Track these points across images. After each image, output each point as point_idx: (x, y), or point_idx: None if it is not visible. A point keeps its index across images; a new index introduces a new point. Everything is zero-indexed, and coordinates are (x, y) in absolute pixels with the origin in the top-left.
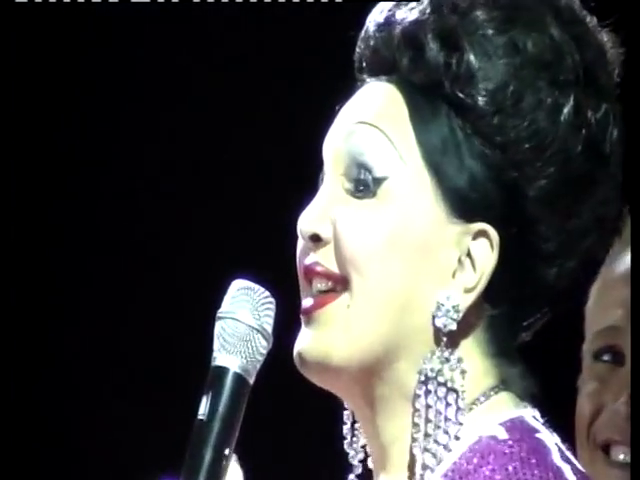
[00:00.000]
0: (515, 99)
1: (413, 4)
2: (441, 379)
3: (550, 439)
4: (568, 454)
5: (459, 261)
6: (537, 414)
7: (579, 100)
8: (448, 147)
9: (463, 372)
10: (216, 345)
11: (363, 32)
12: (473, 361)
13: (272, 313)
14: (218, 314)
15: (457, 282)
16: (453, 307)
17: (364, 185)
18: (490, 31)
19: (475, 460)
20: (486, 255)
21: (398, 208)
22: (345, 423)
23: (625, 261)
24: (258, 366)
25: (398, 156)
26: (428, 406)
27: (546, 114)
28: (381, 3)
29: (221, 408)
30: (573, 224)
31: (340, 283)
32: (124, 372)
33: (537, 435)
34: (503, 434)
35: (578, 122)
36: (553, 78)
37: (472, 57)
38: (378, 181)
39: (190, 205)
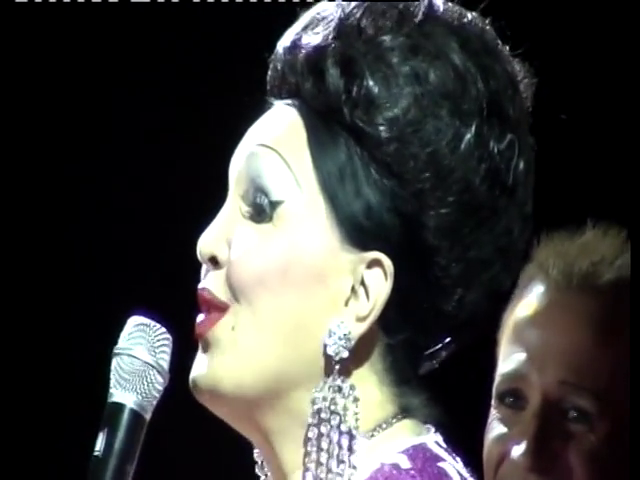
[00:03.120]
0: (414, 128)
1: (320, 28)
2: (334, 407)
3: (452, 467)
4: None
5: (352, 289)
6: (440, 439)
7: (481, 130)
8: (345, 174)
9: (356, 400)
10: (112, 381)
11: (273, 55)
12: (370, 389)
13: (168, 349)
14: (114, 350)
15: (350, 310)
16: (345, 335)
17: (260, 208)
18: (393, 59)
19: None
20: (380, 284)
21: (292, 233)
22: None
23: (532, 301)
24: (154, 402)
25: (294, 180)
26: (321, 434)
27: (446, 143)
28: (294, 26)
29: (117, 444)
30: (473, 255)
31: (225, 307)
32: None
33: (439, 464)
34: (405, 463)
35: (479, 152)
36: (455, 108)
37: (372, 84)
38: (274, 205)
39: (87, 238)
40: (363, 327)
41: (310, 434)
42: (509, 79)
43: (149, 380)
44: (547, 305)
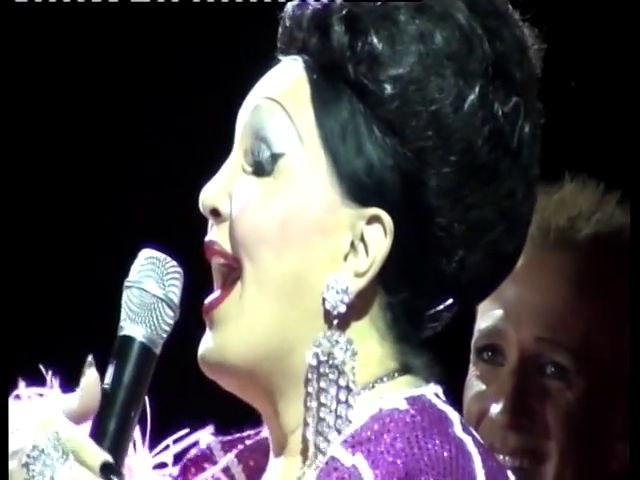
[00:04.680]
0: (418, 86)
1: None
2: (332, 361)
3: (452, 412)
4: (470, 428)
5: (352, 245)
6: (440, 391)
7: (485, 91)
8: (347, 131)
9: (354, 354)
10: (123, 314)
11: (284, 12)
12: (370, 345)
13: (179, 283)
14: (125, 283)
15: (349, 265)
16: (342, 290)
17: (262, 161)
18: (400, 17)
19: (376, 427)
20: (379, 241)
21: (292, 187)
22: None
23: None
24: (165, 335)
25: (296, 134)
26: (321, 389)
27: (449, 103)
28: None
29: (126, 377)
30: (474, 216)
31: (235, 262)
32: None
33: (439, 407)
34: (404, 405)
35: (483, 113)
36: (459, 68)
37: (376, 41)
38: (275, 157)
39: (101, 173)
40: (361, 282)
41: (309, 389)
42: (517, 42)
43: (159, 313)
44: (524, 261)
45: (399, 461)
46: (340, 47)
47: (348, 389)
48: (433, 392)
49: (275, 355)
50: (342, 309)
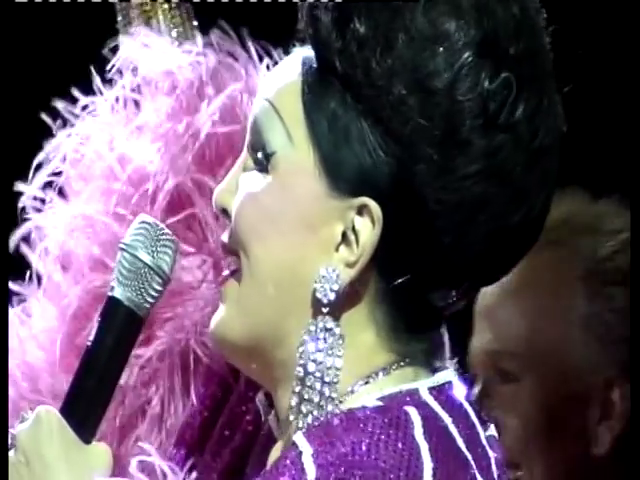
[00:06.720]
0: (402, 72)
1: None
2: (320, 356)
3: (416, 415)
4: (435, 434)
5: (343, 235)
6: (438, 382)
7: (469, 70)
8: (333, 122)
9: (342, 342)
10: (114, 274)
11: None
12: (366, 336)
13: (171, 252)
14: (120, 245)
15: (340, 256)
16: (333, 279)
17: (259, 160)
18: (386, 3)
19: (335, 422)
20: (368, 230)
21: (282, 184)
22: None
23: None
24: (152, 302)
25: (286, 132)
26: (304, 383)
27: (436, 85)
28: None
29: (107, 338)
30: (465, 195)
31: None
32: None
33: (405, 407)
34: (372, 403)
35: (468, 91)
36: (443, 50)
37: (359, 27)
38: (268, 157)
39: None
40: (352, 272)
41: (297, 379)
42: (512, 17)
43: (147, 281)
44: None
45: (339, 462)
46: (326, 37)
47: (331, 382)
48: (429, 385)
49: (270, 343)
50: (331, 297)
